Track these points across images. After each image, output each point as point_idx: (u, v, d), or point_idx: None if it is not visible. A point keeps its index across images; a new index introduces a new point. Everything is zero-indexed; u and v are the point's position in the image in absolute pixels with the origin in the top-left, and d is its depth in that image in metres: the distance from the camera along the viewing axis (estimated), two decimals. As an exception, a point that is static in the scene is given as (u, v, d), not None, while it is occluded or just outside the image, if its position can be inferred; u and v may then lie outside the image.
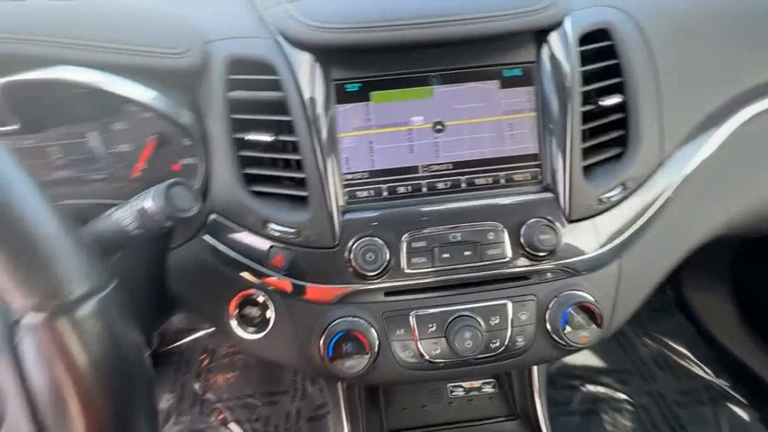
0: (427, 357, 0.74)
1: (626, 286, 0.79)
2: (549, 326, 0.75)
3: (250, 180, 0.75)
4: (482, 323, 0.74)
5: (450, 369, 0.76)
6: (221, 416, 1.71)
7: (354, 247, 0.71)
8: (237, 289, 0.77)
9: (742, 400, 1.60)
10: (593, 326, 0.74)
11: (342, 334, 0.72)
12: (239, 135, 0.74)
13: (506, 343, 0.75)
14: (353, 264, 0.71)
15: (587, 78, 0.77)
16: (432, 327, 0.74)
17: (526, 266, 0.71)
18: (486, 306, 0.75)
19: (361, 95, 0.75)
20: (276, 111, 0.73)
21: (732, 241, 1.45)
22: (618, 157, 0.78)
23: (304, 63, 0.71)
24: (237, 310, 0.78)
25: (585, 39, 0.76)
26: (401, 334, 0.74)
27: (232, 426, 1.68)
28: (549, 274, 0.76)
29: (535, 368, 1.01)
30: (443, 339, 0.74)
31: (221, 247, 0.76)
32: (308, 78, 0.71)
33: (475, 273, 0.72)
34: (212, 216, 0.76)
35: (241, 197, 0.73)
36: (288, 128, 0.73)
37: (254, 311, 0.77)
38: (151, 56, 0.70)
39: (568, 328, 0.74)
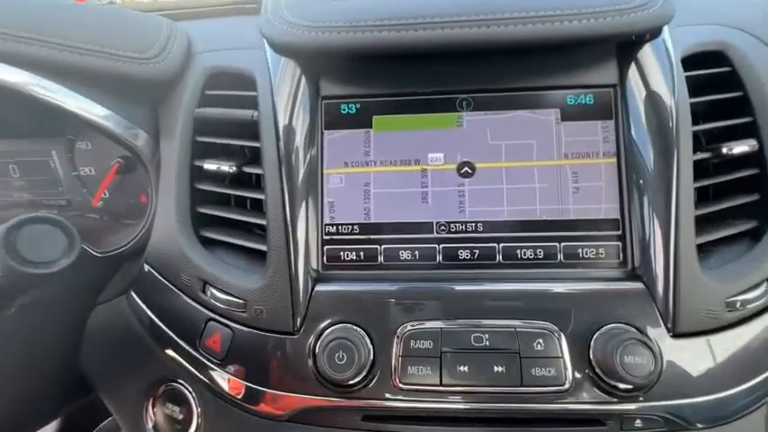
0: None
1: None
2: None
3: (202, 223, 0.55)
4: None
5: None
6: None
7: (323, 337, 0.47)
8: (161, 375, 0.55)
9: None
10: None
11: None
12: (199, 162, 0.55)
13: None
14: (318, 364, 0.46)
15: (694, 117, 0.51)
16: (431, 490, 0.45)
17: (599, 404, 0.44)
18: (528, 465, 0.45)
19: (360, 120, 0.54)
20: (246, 135, 0.54)
21: None
22: (752, 237, 0.49)
23: (287, 74, 0.53)
24: (157, 407, 0.55)
25: (690, 65, 0.51)
26: (381, 492, 0.46)
27: None
28: (638, 422, 0.45)
29: None
30: None
31: (148, 312, 0.55)
32: (289, 93, 0.52)
33: (511, 404, 0.45)
34: (145, 268, 0.56)
35: (182, 244, 0.53)
36: (256, 157, 0.53)
37: (176, 411, 0.53)
38: (111, 58, 0.55)
39: None
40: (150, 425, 0.55)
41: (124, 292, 0.59)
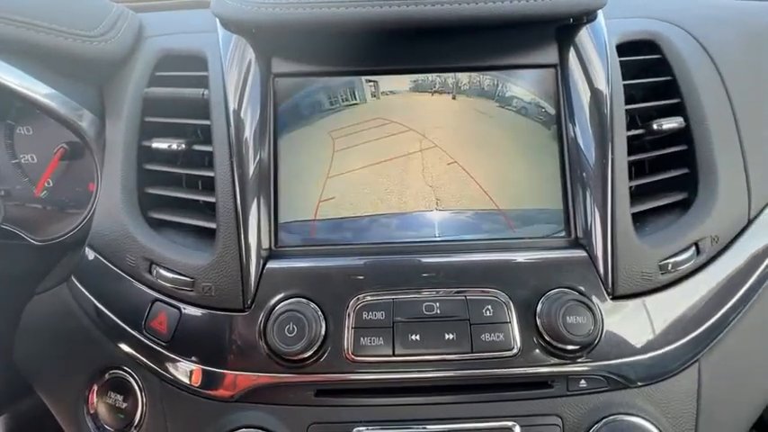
0: None
1: (711, 410, 0.48)
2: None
3: (149, 204, 0.53)
4: (471, 461, 0.44)
5: None
6: None
7: (274, 312, 0.46)
8: (103, 363, 0.52)
9: None
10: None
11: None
12: (147, 143, 0.54)
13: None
14: (268, 338, 0.45)
15: (628, 98, 0.55)
16: (386, 459, 0.45)
17: (546, 366, 0.46)
18: (479, 430, 0.46)
19: None
20: (197, 114, 0.54)
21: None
22: (682, 207, 0.53)
23: (237, 52, 0.53)
24: (98, 397, 0.52)
25: (624, 52, 0.56)
26: (335, 467, 0.45)
27: None
28: (583, 383, 0.47)
29: None
30: (404, 484, 0.44)
31: (90, 298, 0.52)
32: (240, 71, 0.52)
33: (462, 370, 0.45)
34: (87, 252, 0.53)
35: (127, 224, 0.51)
36: (206, 137, 0.52)
37: (119, 400, 0.51)
38: (53, 33, 0.53)
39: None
40: (90, 419, 0.52)
41: (65, 280, 0.56)
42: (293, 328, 0.45)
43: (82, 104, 0.57)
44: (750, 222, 0.53)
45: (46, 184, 0.66)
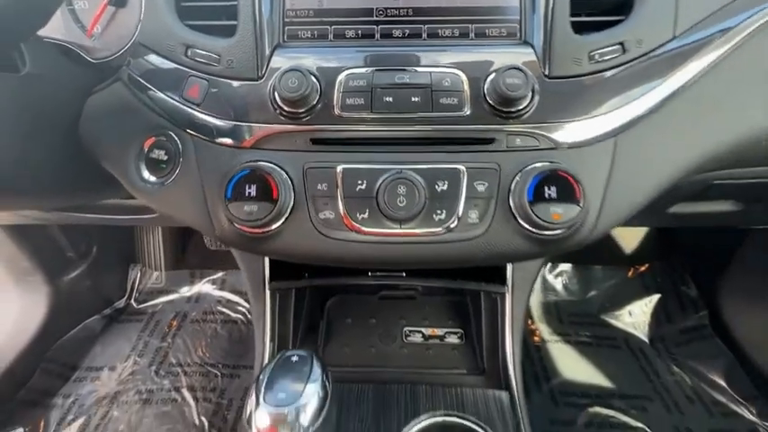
0: (350, 218, 0.58)
1: (621, 175, 0.61)
2: (512, 202, 0.58)
3: (186, 15, 0.67)
4: (424, 186, 0.58)
5: (378, 243, 0.59)
6: (176, 380, 1.60)
7: (282, 78, 0.59)
8: (150, 128, 0.67)
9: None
10: (570, 203, 0.56)
11: (246, 172, 0.58)
12: None
13: (455, 216, 0.58)
14: (277, 97, 0.59)
15: None
16: (361, 184, 0.59)
17: (489, 126, 0.56)
18: (434, 168, 0.59)
19: None
20: None
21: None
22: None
23: None
24: (145, 154, 0.67)
25: None
26: (323, 189, 0.59)
27: (184, 391, 1.55)
28: (518, 140, 0.60)
29: (508, 317, 0.80)
30: (373, 201, 0.58)
31: (139, 79, 0.67)
32: None
33: (423, 125, 0.57)
34: (137, 48, 0.68)
35: (168, 23, 0.65)
36: None
37: (161, 154, 0.66)
38: None
39: (537, 202, 0.56)
40: (138, 171, 0.67)
41: (118, 79, 0.70)
42: (294, 81, 0.58)
43: None
44: (675, 38, 0.63)
45: (95, 31, 0.80)
